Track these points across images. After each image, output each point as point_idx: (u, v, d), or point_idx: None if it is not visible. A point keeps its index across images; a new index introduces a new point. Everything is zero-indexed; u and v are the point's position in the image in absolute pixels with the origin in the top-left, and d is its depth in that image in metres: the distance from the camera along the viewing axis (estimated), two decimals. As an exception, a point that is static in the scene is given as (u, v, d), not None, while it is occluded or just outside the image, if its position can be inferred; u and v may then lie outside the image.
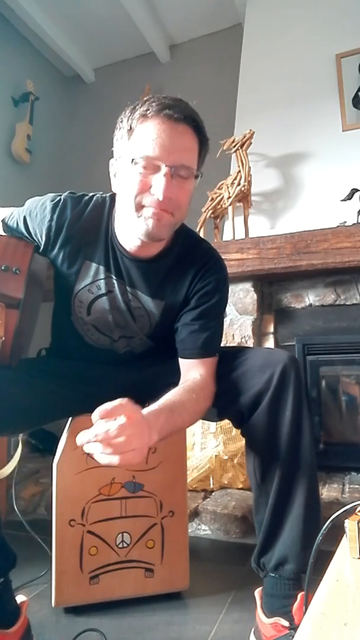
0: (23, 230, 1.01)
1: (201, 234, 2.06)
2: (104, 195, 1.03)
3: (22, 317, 0.92)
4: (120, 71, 3.19)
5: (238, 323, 1.91)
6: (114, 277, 0.99)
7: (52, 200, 0.99)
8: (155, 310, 1.02)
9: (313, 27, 2.34)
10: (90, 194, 1.02)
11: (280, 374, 0.89)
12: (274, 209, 2.20)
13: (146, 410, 0.79)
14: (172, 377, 0.99)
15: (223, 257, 1.07)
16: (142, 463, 0.73)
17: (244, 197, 2.05)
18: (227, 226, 2.16)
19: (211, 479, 1.69)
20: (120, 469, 1.07)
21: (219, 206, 2.12)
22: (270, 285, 1.98)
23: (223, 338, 1.06)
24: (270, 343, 1.95)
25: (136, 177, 0.86)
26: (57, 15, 2.81)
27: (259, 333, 1.96)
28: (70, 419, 1.07)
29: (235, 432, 1.69)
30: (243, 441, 1.00)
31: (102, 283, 1.00)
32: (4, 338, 0.90)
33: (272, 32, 2.44)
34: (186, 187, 0.88)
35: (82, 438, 0.68)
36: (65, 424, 1.08)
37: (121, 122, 0.89)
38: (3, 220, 1.05)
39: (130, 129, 0.86)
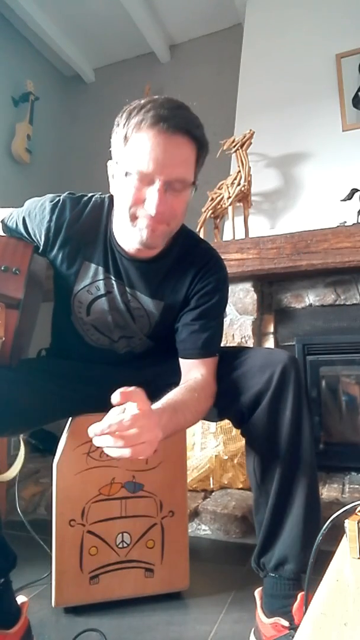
0: (22, 231, 1.01)
1: (201, 234, 2.06)
2: (102, 195, 1.02)
3: (22, 317, 0.92)
4: (120, 71, 3.19)
5: (238, 323, 1.91)
6: (113, 278, 0.99)
7: (51, 201, 0.99)
8: (155, 310, 1.02)
9: (313, 27, 2.34)
10: (90, 195, 1.02)
11: (280, 374, 0.89)
12: (274, 209, 2.20)
13: None
14: (173, 377, 0.99)
15: (223, 257, 1.07)
16: (152, 457, 0.74)
17: (244, 197, 2.05)
18: (227, 226, 2.16)
19: (211, 479, 1.69)
20: (120, 469, 1.07)
21: (219, 206, 2.12)
22: (270, 285, 1.98)
23: (223, 338, 1.06)
24: (270, 343, 1.95)
25: (130, 190, 0.85)
26: (57, 15, 2.81)
27: (259, 333, 1.96)
28: (70, 419, 1.07)
29: (235, 432, 1.69)
30: (243, 441, 1.00)
31: (101, 284, 1.00)
32: (4, 338, 0.90)
33: (272, 32, 2.44)
34: (181, 198, 0.87)
35: (94, 429, 0.67)
36: (65, 424, 1.08)
37: (117, 125, 0.87)
38: (2, 221, 1.05)
39: (126, 137, 0.84)
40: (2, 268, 0.92)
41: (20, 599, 0.94)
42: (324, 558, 0.60)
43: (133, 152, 0.84)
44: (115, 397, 0.69)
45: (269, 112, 2.31)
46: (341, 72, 2.23)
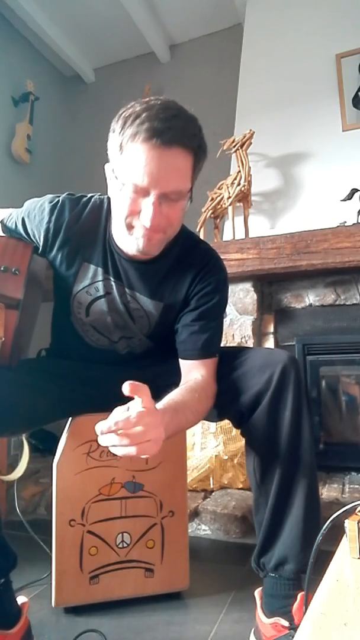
0: (22, 231, 1.01)
1: (201, 234, 2.07)
2: (102, 196, 1.02)
3: (21, 317, 0.92)
4: (120, 71, 3.19)
5: (238, 323, 1.91)
6: (112, 279, 0.99)
7: (50, 202, 0.99)
8: (154, 311, 1.02)
9: (313, 27, 2.34)
10: (89, 195, 1.02)
11: (280, 374, 0.89)
12: (274, 209, 2.20)
13: None
14: (173, 377, 0.99)
15: (223, 257, 1.07)
16: (157, 455, 0.73)
17: (244, 197, 2.05)
18: (227, 226, 2.16)
19: (211, 479, 1.69)
20: (120, 469, 1.07)
21: (219, 206, 2.12)
22: (270, 285, 1.98)
23: (223, 338, 1.06)
24: (270, 343, 1.95)
25: (126, 201, 0.85)
26: (57, 15, 2.81)
27: (259, 333, 1.96)
28: (70, 419, 1.07)
29: (235, 432, 1.69)
30: (243, 441, 1.00)
31: (100, 285, 1.00)
32: (3, 338, 0.90)
33: (272, 32, 2.44)
34: (177, 207, 0.87)
35: (101, 427, 0.67)
36: (65, 424, 1.08)
37: (113, 132, 0.86)
38: (2, 222, 1.05)
39: (121, 147, 0.83)
40: (2, 268, 0.92)
41: (21, 599, 0.94)
42: (324, 558, 0.60)
43: (128, 164, 0.83)
44: (125, 387, 0.69)
45: (269, 112, 2.32)
46: (341, 72, 2.23)
